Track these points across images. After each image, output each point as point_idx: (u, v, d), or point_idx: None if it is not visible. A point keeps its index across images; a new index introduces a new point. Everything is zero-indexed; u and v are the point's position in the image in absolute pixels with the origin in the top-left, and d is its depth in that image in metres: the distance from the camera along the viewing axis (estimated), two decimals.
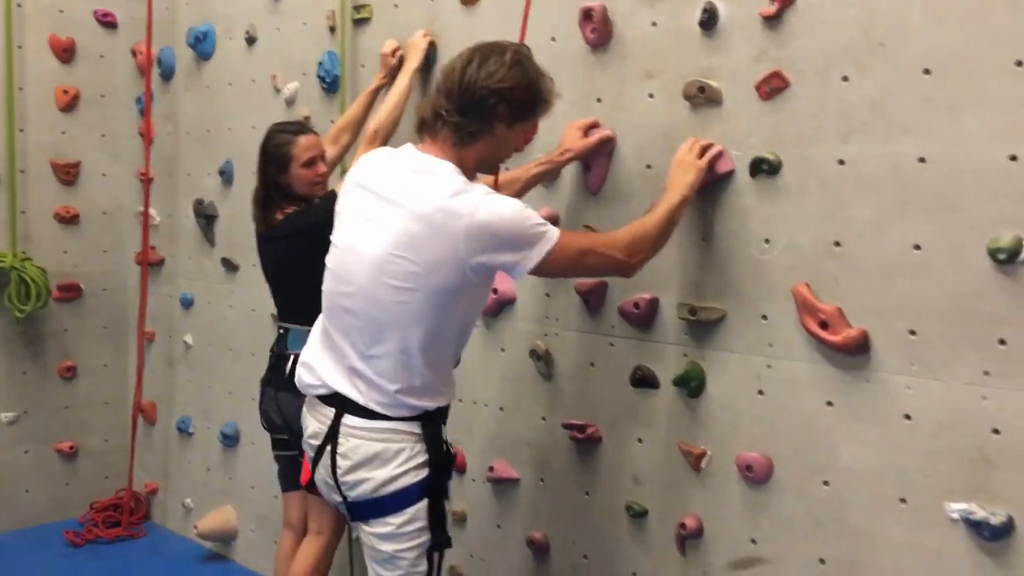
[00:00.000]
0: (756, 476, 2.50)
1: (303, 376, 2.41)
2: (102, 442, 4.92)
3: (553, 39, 2.90)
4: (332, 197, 2.67)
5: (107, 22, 4.78)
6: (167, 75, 4.57)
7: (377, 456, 2.27)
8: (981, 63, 2.09)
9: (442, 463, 2.33)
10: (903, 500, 2.25)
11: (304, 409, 2.46)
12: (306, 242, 2.88)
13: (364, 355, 2.27)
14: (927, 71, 2.16)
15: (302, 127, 3.25)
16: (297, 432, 3.08)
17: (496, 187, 2.52)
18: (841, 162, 2.32)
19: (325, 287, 2.39)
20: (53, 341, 4.77)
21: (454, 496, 2.73)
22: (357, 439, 2.28)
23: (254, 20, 4.05)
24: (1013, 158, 2.05)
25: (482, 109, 2.22)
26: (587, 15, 2.78)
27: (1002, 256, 2.06)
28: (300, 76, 3.85)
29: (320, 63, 3.71)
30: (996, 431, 2.10)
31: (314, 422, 2.39)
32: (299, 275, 2.97)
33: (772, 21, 2.41)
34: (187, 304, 4.57)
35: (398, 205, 2.21)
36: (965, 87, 2.11)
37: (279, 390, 3.15)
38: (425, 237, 2.15)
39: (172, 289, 4.67)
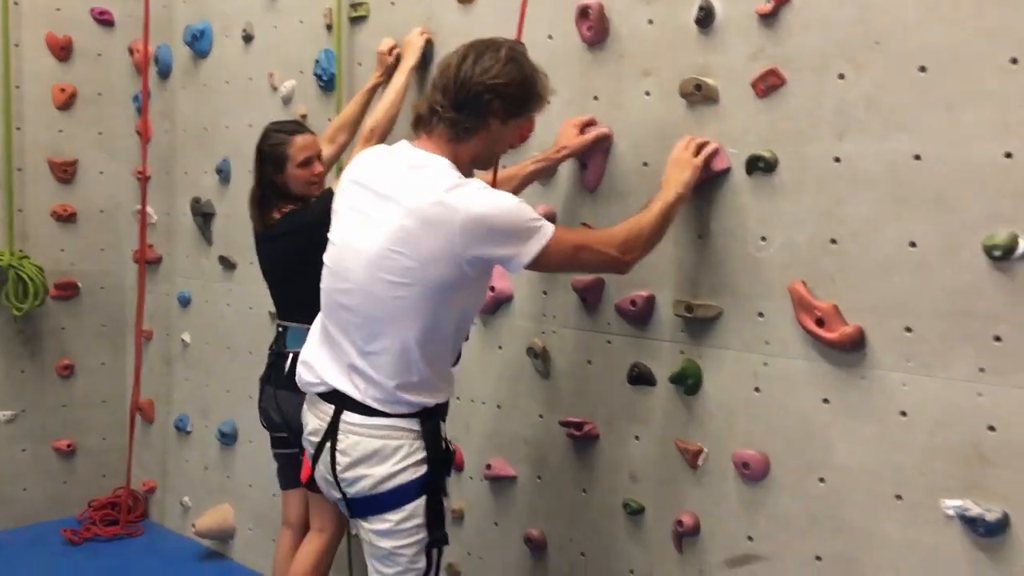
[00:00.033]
0: (752, 473, 2.50)
1: (303, 374, 2.42)
2: (100, 440, 4.92)
3: (550, 37, 2.90)
4: (329, 195, 2.67)
5: (104, 20, 4.77)
6: (164, 73, 4.56)
7: (376, 453, 2.27)
8: (977, 60, 2.09)
9: (441, 460, 2.33)
10: (899, 497, 2.25)
11: (304, 406, 2.47)
12: (303, 240, 2.89)
13: (363, 351, 2.28)
14: (923, 68, 2.17)
15: (298, 126, 3.25)
16: (296, 430, 3.08)
17: (494, 184, 2.52)
18: (837, 159, 2.32)
19: (323, 285, 2.40)
20: (51, 339, 4.77)
21: (452, 494, 2.73)
22: (356, 436, 2.29)
23: (251, 18, 4.05)
24: (1009, 155, 2.06)
25: (477, 105, 2.23)
26: (583, 13, 2.78)
27: (997, 253, 2.06)
28: (297, 74, 3.84)
29: (317, 61, 3.70)
30: (992, 428, 2.11)
31: (314, 419, 2.39)
32: (297, 274, 2.97)
33: (768, 19, 2.42)
34: (185, 302, 4.57)
35: (394, 201, 2.21)
36: (961, 84, 2.12)
37: (278, 388, 3.15)
38: (421, 232, 2.16)
39: (170, 287, 4.67)
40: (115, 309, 4.92)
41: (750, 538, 2.54)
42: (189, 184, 4.48)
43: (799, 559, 2.44)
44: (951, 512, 2.16)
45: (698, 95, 2.56)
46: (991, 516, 2.09)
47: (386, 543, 2.31)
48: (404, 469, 2.28)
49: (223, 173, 4.25)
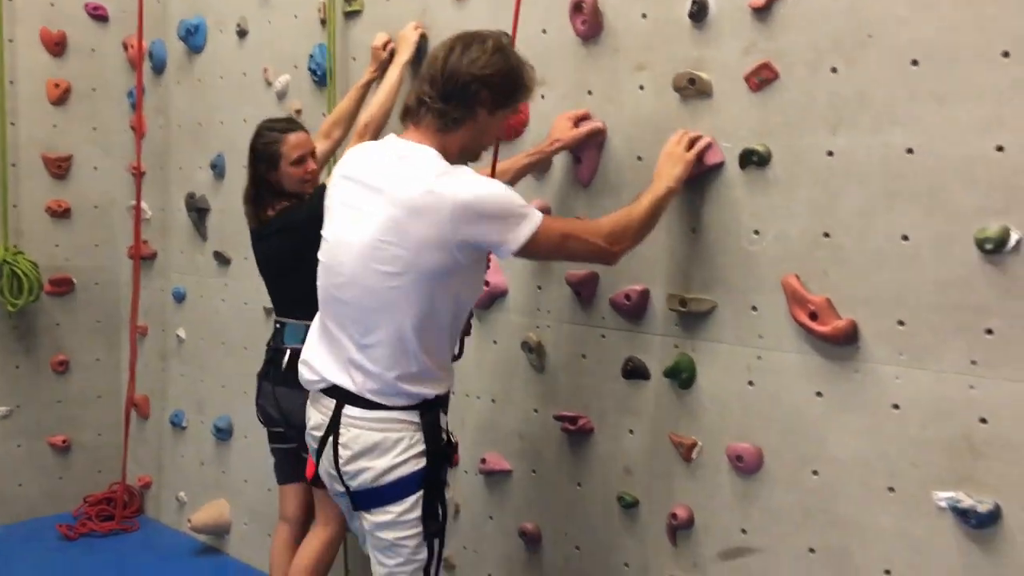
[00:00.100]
0: (746, 466, 2.51)
1: (304, 373, 2.44)
2: (95, 436, 4.92)
3: (544, 31, 2.90)
4: (322, 192, 2.67)
5: (98, 15, 4.77)
6: (158, 68, 4.56)
7: (377, 445, 2.29)
8: (968, 54, 2.10)
9: (441, 453, 2.34)
10: (891, 489, 2.26)
11: (308, 403, 2.48)
12: (298, 237, 2.89)
13: (360, 344, 2.29)
14: (915, 62, 2.17)
15: (291, 124, 3.24)
16: (295, 425, 3.10)
17: (492, 173, 2.54)
18: (830, 153, 2.33)
19: (319, 281, 2.41)
20: (45, 335, 4.77)
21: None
22: (357, 429, 2.31)
23: (245, 13, 4.05)
24: (1000, 149, 2.06)
25: (465, 95, 2.25)
26: (577, 7, 2.78)
27: (989, 246, 2.07)
28: (291, 69, 3.84)
29: (311, 56, 3.70)
30: (983, 420, 2.12)
31: (317, 414, 2.41)
32: (292, 270, 2.98)
33: (761, 13, 2.42)
34: (179, 298, 4.57)
35: (383, 192, 2.24)
36: (953, 78, 2.12)
37: (276, 384, 3.16)
38: (411, 220, 2.18)
39: (164, 283, 4.67)
40: (110, 305, 4.93)
41: (744, 531, 2.55)
42: (183, 179, 4.48)
43: (792, 551, 2.45)
44: (943, 504, 2.17)
45: (692, 89, 2.56)
46: (983, 508, 2.10)
47: (388, 534, 2.33)
48: (405, 461, 2.29)
49: (217, 168, 4.25)
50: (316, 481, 2.51)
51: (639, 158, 2.69)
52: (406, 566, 2.34)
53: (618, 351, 2.79)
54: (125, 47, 4.74)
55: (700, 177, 2.55)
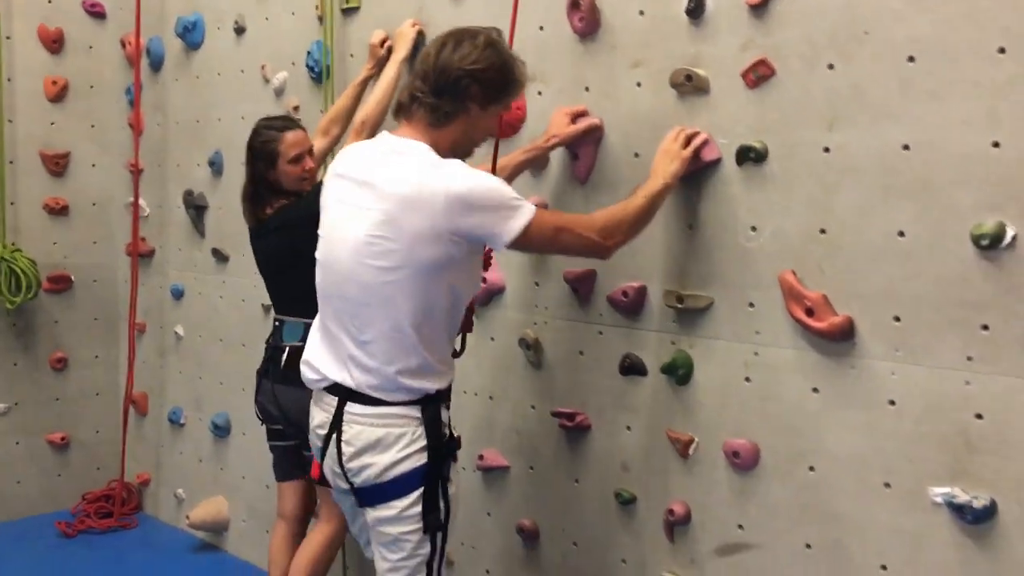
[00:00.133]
0: (743, 462, 2.52)
1: (306, 373, 2.46)
2: (93, 433, 4.92)
3: (541, 28, 2.91)
4: (320, 189, 2.68)
5: (96, 12, 4.77)
6: (156, 65, 4.56)
7: (379, 441, 2.30)
8: (964, 50, 2.10)
9: (442, 447, 2.35)
10: (887, 485, 2.27)
11: (311, 402, 2.49)
12: (296, 235, 2.90)
13: (359, 340, 2.30)
14: (911, 58, 2.18)
15: (288, 122, 3.25)
16: (295, 423, 3.12)
17: (493, 169, 2.56)
18: (827, 150, 2.33)
19: (317, 279, 2.43)
20: (44, 332, 4.77)
21: None
22: (359, 426, 2.32)
23: (243, 10, 4.05)
24: (996, 144, 2.07)
25: (456, 90, 2.27)
26: (575, 4, 2.78)
27: (985, 242, 2.08)
28: (289, 66, 3.84)
29: (309, 53, 3.70)
30: (979, 416, 2.12)
31: (320, 412, 2.43)
32: (291, 268, 2.98)
33: (758, 9, 2.42)
34: (178, 295, 4.57)
35: (375, 187, 2.25)
36: (948, 74, 2.12)
37: (276, 382, 3.17)
38: (403, 214, 2.19)
39: (162, 280, 4.67)
40: (108, 302, 4.93)
41: (741, 527, 2.55)
42: (181, 176, 4.48)
43: (789, 547, 2.46)
44: (939, 499, 2.17)
45: (689, 86, 2.56)
46: (978, 503, 2.10)
47: (392, 529, 2.34)
48: (408, 456, 2.30)
49: (215, 165, 4.25)
50: (322, 480, 2.52)
51: (636, 155, 2.70)
52: (409, 560, 2.35)
53: (615, 348, 2.80)
54: (123, 44, 4.74)
55: (697, 174, 2.55)
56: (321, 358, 2.40)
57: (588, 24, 2.77)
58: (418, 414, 2.31)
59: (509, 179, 2.73)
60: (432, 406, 2.33)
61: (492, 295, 3.13)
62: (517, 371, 3.09)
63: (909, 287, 2.21)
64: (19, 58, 4.58)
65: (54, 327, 4.79)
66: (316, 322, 2.47)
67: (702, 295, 2.59)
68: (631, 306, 2.74)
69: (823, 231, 2.35)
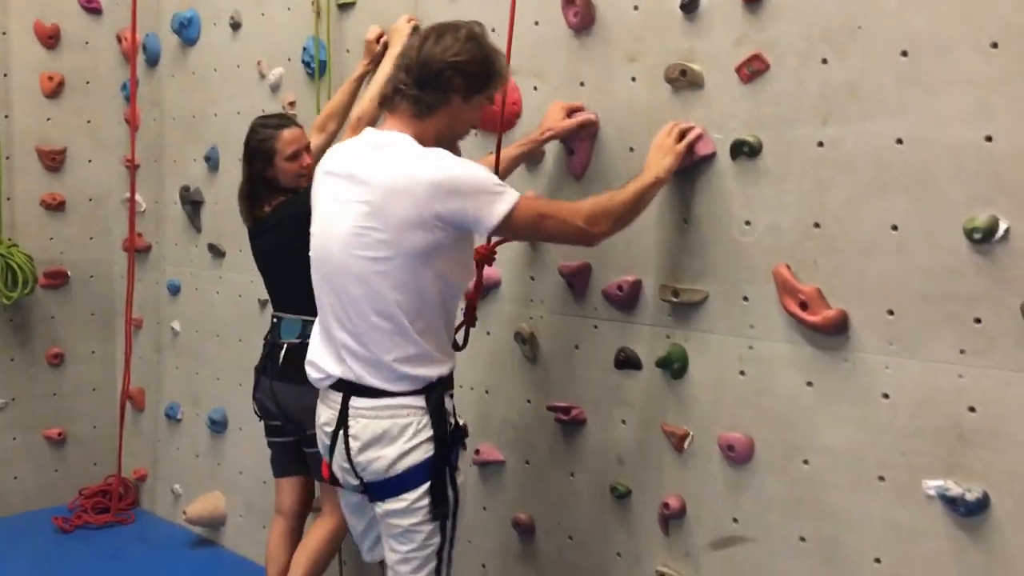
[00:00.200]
0: (737, 456, 2.53)
1: (311, 373, 2.48)
2: (90, 429, 4.92)
3: (536, 23, 2.91)
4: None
5: (92, 8, 4.76)
6: (152, 61, 4.56)
7: (385, 433, 2.32)
8: (958, 45, 2.11)
9: (449, 436, 2.36)
10: (881, 478, 2.27)
11: (319, 400, 2.51)
12: (294, 231, 2.89)
13: (355, 332, 2.32)
14: (904, 53, 2.18)
15: (284, 120, 3.26)
16: (294, 420, 3.13)
17: (497, 169, 2.57)
18: (820, 144, 2.34)
19: (312, 276, 2.45)
20: (40, 328, 4.77)
21: None
22: (365, 419, 2.34)
23: (238, 5, 4.04)
24: (989, 139, 2.07)
25: (439, 82, 2.30)
26: None
27: (978, 236, 2.08)
28: (285, 62, 3.84)
29: (305, 48, 3.70)
30: (972, 409, 2.13)
31: (326, 410, 2.45)
32: (288, 266, 2.99)
33: (752, 4, 2.43)
34: (174, 290, 4.57)
35: (361, 180, 2.28)
36: (942, 68, 2.13)
37: (274, 379, 3.18)
38: (389, 203, 2.22)
39: (159, 276, 4.67)
40: (105, 297, 4.93)
41: (735, 520, 2.56)
42: (178, 172, 4.48)
43: (783, 540, 2.46)
44: (932, 492, 2.18)
45: (683, 80, 2.57)
46: (971, 496, 2.11)
47: (402, 521, 2.36)
48: (415, 448, 2.32)
49: (212, 161, 4.25)
50: (333, 480, 2.52)
51: (631, 149, 2.70)
52: (420, 551, 2.37)
53: (611, 342, 2.81)
54: (119, 40, 4.73)
55: (691, 168, 2.56)
56: (322, 356, 2.43)
57: (583, 19, 2.78)
58: (422, 404, 2.33)
59: (505, 173, 2.74)
60: (436, 395, 2.35)
61: (487, 289, 3.13)
62: (513, 365, 3.09)
63: (902, 281, 2.21)
64: (15, 54, 4.58)
65: (51, 323, 4.80)
66: (316, 323, 2.50)
67: (697, 289, 2.59)
68: (626, 300, 2.75)
69: (817, 225, 2.35)
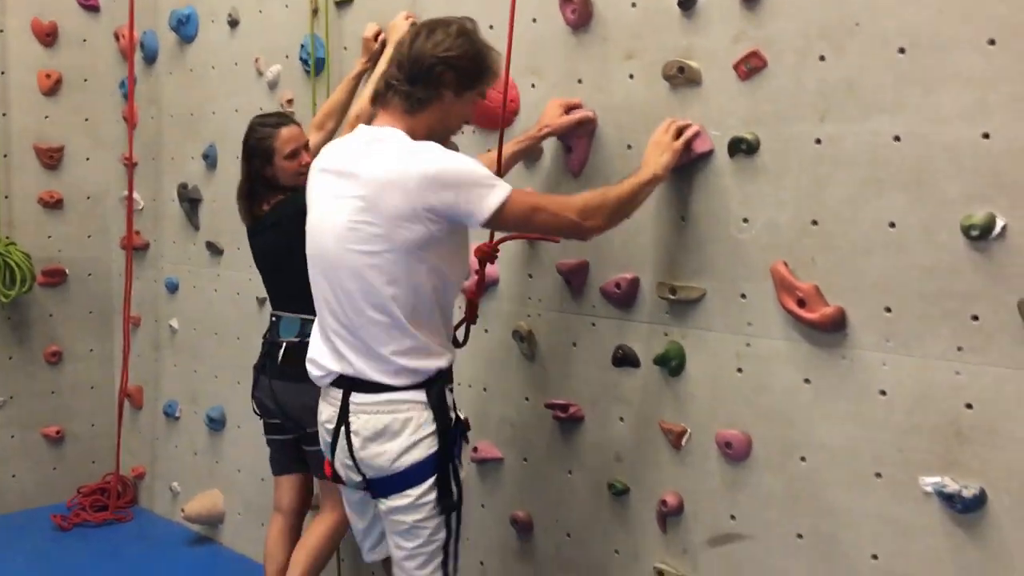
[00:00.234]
0: (735, 453, 2.53)
1: (312, 370, 2.49)
2: (89, 427, 4.93)
3: (534, 20, 2.91)
4: None
5: (89, 5, 4.76)
6: (150, 59, 4.55)
7: (386, 428, 2.33)
8: (955, 42, 2.11)
9: (451, 430, 2.37)
10: (878, 475, 2.28)
11: (320, 398, 2.52)
12: (293, 229, 2.89)
13: (352, 326, 2.34)
14: (902, 50, 2.18)
15: (282, 118, 3.26)
16: (293, 418, 3.13)
17: (499, 166, 2.60)
18: (818, 141, 2.34)
19: (309, 274, 2.46)
20: (38, 326, 4.77)
21: None
22: (366, 415, 2.35)
23: (236, 3, 4.04)
24: (986, 136, 2.07)
25: (430, 77, 2.32)
26: None
27: (975, 233, 2.08)
28: (283, 59, 3.84)
29: (302, 46, 3.70)
30: (969, 406, 2.13)
31: (327, 407, 2.46)
32: (288, 264, 2.99)
33: (750, 1, 2.43)
34: (172, 288, 4.57)
35: (354, 176, 2.30)
36: (939, 65, 2.13)
37: (273, 378, 3.18)
38: (382, 196, 2.24)
39: (157, 273, 4.67)
40: (103, 295, 4.93)
41: (733, 517, 2.56)
42: (176, 170, 4.48)
43: (781, 537, 2.47)
44: (929, 489, 2.18)
45: (681, 78, 2.57)
46: (968, 492, 2.11)
47: (407, 517, 2.37)
48: (418, 443, 2.33)
49: (209, 159, 4.25)
50: (336, 478, 2.53)
51: (629, 147, 2.70)
52: (426, 547, 2.38)
53: (608, 339, 2.81)
54: (116, 37, 4.73)
55: (689, 165, 2.56)
56: (322, 353, 2.44)
57: (581, 16, 2.78)
58: (423, 398, 2.34)
59: (504, 170, 2.74)
60: (436, 389, 2.36)
61: (486, 287, 3.13)
62: (511, 363, 3.09)
63: (900, 278, 2.22)
64: (13, 51, 4.58)
65: (49, 321, 4.79)
66: (316, 321, 2.50)
67: (694, 286, 2.59)
68: (624, 298, 2.75)
69: (815, 222, 2.35)
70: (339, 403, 2.40)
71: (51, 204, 4.73)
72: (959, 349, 2.14)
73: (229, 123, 4.04)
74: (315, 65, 3.63)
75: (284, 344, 3.15)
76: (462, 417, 2.44)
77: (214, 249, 4.28)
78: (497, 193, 2.26)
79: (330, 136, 3.40)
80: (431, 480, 2.34)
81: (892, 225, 2.22)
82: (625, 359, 2.77)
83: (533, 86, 2.93)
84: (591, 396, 2.88)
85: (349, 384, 2.38)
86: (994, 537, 2.12)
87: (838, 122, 2.29)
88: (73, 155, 4.79)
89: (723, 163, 2.51)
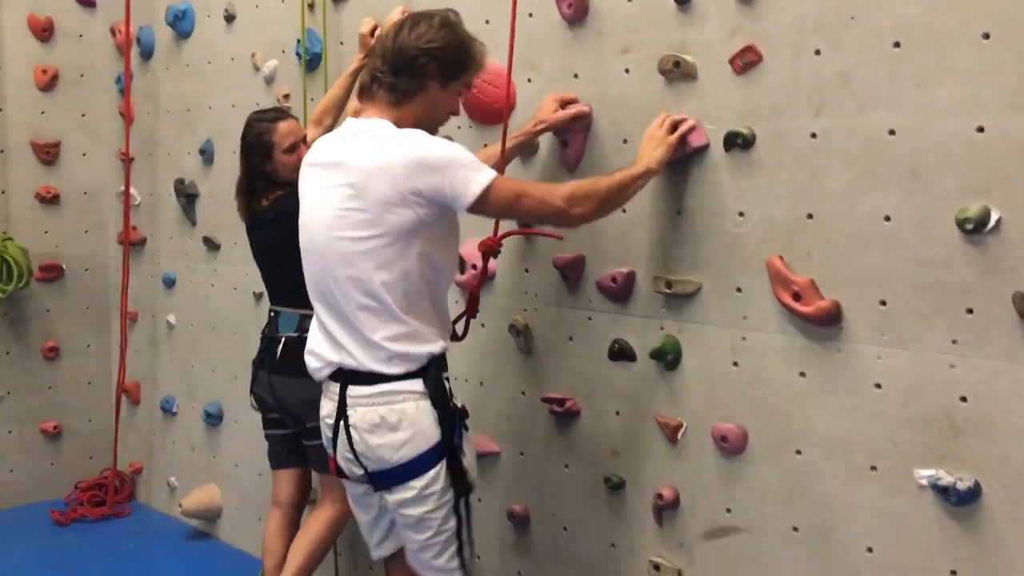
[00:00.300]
0: (731, 447, 2.53)
1: (310, 363, 2.50)
2: (86, 422, 4.93)
3: (530, 15, 2.90)
4: None
5: (85, 1, 4.76)
6: (146, 54, 4.55)
7: (384, 420, 2.34)
8: (950, 36, 2.11)
9: (451, 418, 2.38)
10: (873, 468, 2.28)
11: (322, 395, 2.52)
12: (292, 225, 2.89)
13: (345, 314, 2.35)
14: (897, 44, 2.18)
15: (280, 113, 3.27)
16: (293, 413, 3.13)
17: (501, 162, 2.61)
18: (814, 135, 2.34)
19: (304, 266, 2.48)
20: (36, 321, 4.77)
21: None
22: (364, 408, 2.36)
23: None
24: (980, 129, 2.08)
25: (414, 68, 2.35)
26: None
27: (969, 226, 2.09)
28: (279, 54, 3.84)
29: (299, 41, 3.70)
30: (963, 399, 2.14)
31: (328, 402, 2.47)
32: (286, 260, 2.98)
33: None
34: (169, 283, 4.57)
35: (342, 166, 2.33)
36: (934, 60, 2.13)
37: (271, 373, 3.19)
38: (370, 182, 2.27)
39: (154, 269, 4.67)
40: (100, 291, 4.93)
41: (728, 510, 2.57)
42: (172, 165, 4.48)
43: (776, 530, 2.47)
44: (924, 482, 2.19)
45: (677, 72, 2.57)
46: (963, 485, 2.12)
47: (413, 510, 2.38)
48: (417, 433, 2.34)
49: (206, 154, 4.25)
50: (339, 472, 2.53)
51: (625, 141, 2.70)
52: (437, 537, 2.40)
53: (604, 333, 2.81)
54: (113, 33, 4.73)
55: (685, 160, 2.56)
56: (320, 343, 2.46)
57: (576, 10, 2.78)
58: (420, 388, 2.35)
59: (500, 166, 2.74)
60: (432, 377, 2.36)
61: (482, 282, 3.13)
62: (507, 357, 3.10)
63: (895, 271, 2.22)
64: (9, 47, 4.58)
65: (46, 316, 4.80)
66: (315, 317, 2.51)
67: (690, 280, 2.60)
68: (620, 292, 2.75)
69: (810, 216, 2.36)
70: (337, 397, 2.41)
71: (48, 199, 4.73)
72: (954, 342, 2.14)
73: (226, 118, 4.04)
74: (306, 60, 3.63)
75: (283, 339, 3.16)
76: (460, 405, 2.45)
77: (211, 244, 4.28)
78: (482, 177, 2.28)
79: (328, 132, 3.40)
80: (433, 471, 2.35)
81: (887, 219, 2.22)
82: (621, 353, 2.77)
83: (529, 80, 2.93)
84: (587, 390, 2.88)
85: (346, 378, 2.39)
86: (988, 529, 2.13)
87: (833, 116, 2.30)
88: (70, 151, 4.79)
89: (719, 157, 2.51)
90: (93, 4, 4.77)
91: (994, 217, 2.07)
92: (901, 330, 2.22)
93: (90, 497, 4.75)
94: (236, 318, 4.15)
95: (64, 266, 4.81)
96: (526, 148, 2.88)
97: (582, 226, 2.69)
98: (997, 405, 2.09)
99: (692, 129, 2.52)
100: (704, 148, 2.53)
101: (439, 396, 2.36)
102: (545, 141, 2.89)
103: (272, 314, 3.25)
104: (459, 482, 2.39)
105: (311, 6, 3.66)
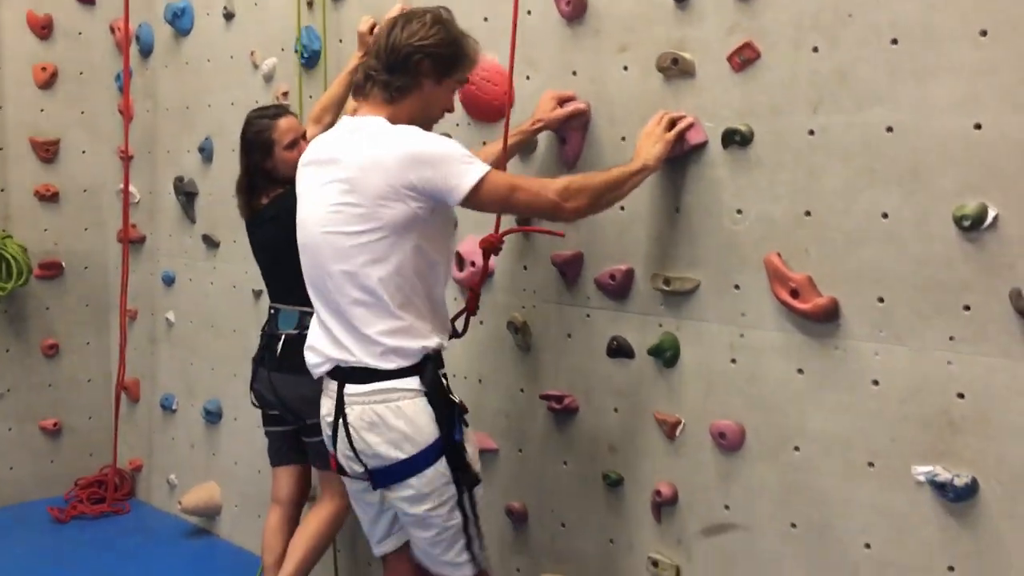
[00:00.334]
0: (729, 443, 2.54)
1: (309, 359, 2.51)
2: (86, 419, 4.93)
3: (529, 12, 2.90)
4: None
5: None
6: (146, 52, 4.55)
7: (381, 417, 2.35)
8: (947, 33, 2.11)
9: (449, 414, 2.38)
10: (871, 464, 2.29)
11: (322, 394, 2.53)
12: (291, 223, 2.90)
13: (340, 309, 2.37)
14: (894, 41, 2.19)
15: (279, 110, 3.27)
16: (293, 410, 3.14)
17: (502, 160, 2.61)
18: (811, 132, 2.34)
19: (302, 263, 2.49)
20: (35, 319, 4.78)
21: None
22: (360, 405, 2.37)
23: None
24: (978, 126, 2.08)
25: (407, 66, 2.37)
26: None
27: (967, 223, 2.09)
28: (278, 52, 3.84)
29: (298, 38, 3.70)
30: (961, 395, 2.14)
31: (327, 401, 2.48)
32: (286, 257, 2.98)
33: None
34: (169, 281, 4.58)
35: (337, 162, 2.35)
36: (932, 57, 2.13)
37: (271, 370, 3.20)
38: (364, 177, 2.29)
39: (153, 267, 4.67)
40: (99, 288, 4.93)
41: (727, 507, 2.57)
42: (172, 163, 4.48)
43: (774, 527, 2.48)
44: (922, 478, 2.19)
45: (675, 69, 2.57)
46: (960, 481, 2.13)
47: (416, 508, 2.39)
48: (415, 431, 2.34)
49: (206, 152, 4.25)
50: (341, 470, 2.54)
51: (623, 138, 2.70)
52: (444, 533, 2.40)
53: (603, 330, 2.81)
54: (112, 30, 4.73)
55: (683, 157, 2.56)
56: (319, 339, 2.47)
57: (575, 8, 2.78)
58: (416, 385, 2.35)
59: (499, 165, 2.74)
60: (428, 373, 2.37)
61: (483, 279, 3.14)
62: (506, 354, 3.10)
63: (893, 268, 2.22)
64: (8, 45, 4.58)
65: (45, 314, 4.80)
66: (315, 314, 2.52)
67: (688, 278, 2.60)
68: (618, 289, 2.75)
69: (808, 213, 2.36)
70: (335, 395, 2.42)
71: (47, 197, 4.73)
72: (951, 339, 2.15)
73: (225, 116, 4.04)
74: (304, 58, 3.62)
75: (283, 336, 3.16)
76: (457, 400, 2.45)
77: (210, 242, 4.29)
78: (475, 170, 2.29)
79: (327, 129, 3.40)
80: (432, 469, 2.35)
81: (885, 216, 2.23)
82: (619, 350, 2.78)
83: (528, 78, 2.93)
84: (586, 387, 2.88)
85: (343, 375, 2.40)
86: (986, 525, 2.13)
87: (831, 113, 2.30)
88: (69, 148, 4.80)
89: (717, 154, 2.52)
90: (92, 2, 4.77)
91: (992, 214, 2.07)
92: (899, 327, 2.23)
93: (90, 494, 4.76)
94: (235, 316, 4.15)
95: (64, 264, 4.82)
96: (524, 146, 2.88)
97: (581, 224, 2.72)
98: (994, 402, 2.10)
99: (690, 126, 2.52)
100: (702, 145, 2.53)
101: (436, 393, 2.36)
102: (543, 138, 2.89)
103: (272, 311, 3.26)
104: (464, 476, 2.39)
105: (310, 4, 3.66)
